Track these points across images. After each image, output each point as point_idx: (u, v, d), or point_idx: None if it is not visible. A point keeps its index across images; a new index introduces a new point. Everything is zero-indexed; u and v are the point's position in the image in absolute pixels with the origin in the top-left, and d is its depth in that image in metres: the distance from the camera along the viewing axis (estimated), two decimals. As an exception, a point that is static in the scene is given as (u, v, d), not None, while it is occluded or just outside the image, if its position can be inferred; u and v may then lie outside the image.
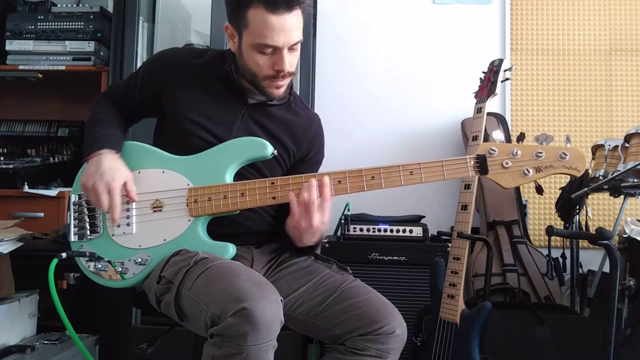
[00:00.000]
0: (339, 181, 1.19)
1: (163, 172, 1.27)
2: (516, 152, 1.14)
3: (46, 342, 1.60)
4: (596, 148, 2.10)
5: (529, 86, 2.66)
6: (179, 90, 1.31)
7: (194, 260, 1.13)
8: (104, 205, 1.21)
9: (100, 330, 1.75)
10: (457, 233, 1.67)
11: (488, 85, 1.79)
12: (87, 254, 1.24)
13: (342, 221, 2.13)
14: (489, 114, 1.82)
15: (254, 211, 1.32)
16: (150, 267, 1.23)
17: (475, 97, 1.82)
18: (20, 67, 2.42)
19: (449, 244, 1.73)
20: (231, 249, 1.22)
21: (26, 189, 2.13)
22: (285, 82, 1.28)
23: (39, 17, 2.43)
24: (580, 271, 2.23)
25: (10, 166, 2.20)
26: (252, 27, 1.18)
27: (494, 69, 1.81)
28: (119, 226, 1.26)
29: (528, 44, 2.68)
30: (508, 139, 2.54)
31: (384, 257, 2.02)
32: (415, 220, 2.17)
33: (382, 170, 1.18)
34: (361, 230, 2.10)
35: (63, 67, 2.42)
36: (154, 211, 1.25)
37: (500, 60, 1.82)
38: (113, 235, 1.26)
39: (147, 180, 1.27)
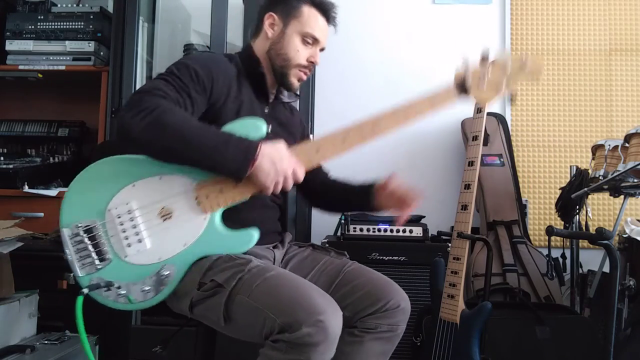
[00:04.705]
0: (343, 139, 1.31)
1: (160, 178, 1.20)
2: (488, 71, 1.31)
3: (46, 342, 1.60)
4: (596, 148, 2.10)
5: (529, 86, 2.66)
6: (225, 94, 1.30)
7: (248, 268, 1.14)
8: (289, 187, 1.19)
9: (100, 330, 1.75)
10: (457, 233, 1.67)
11: (488, 85, 1.79)
12: (103, 284, 1.15)
13: (342, 221, 2.13)
14: (489, 114, 1.82)
15: (268, 211, 1.39)
16: (177, 276, 1.17)
17: (475, 97, 1.82)
18: (20, 67, 2.42)
19: (449, 244, 1.73)
20: (255, 234, 1.20)
21: (26, 189, 2.13)
22: (305, 77, 1.43)
23: (39, 17, 2.43)
24: (580, 271, 2.23)
25: (10, 166, 2.21)
26: (304, 19, 1.37)
27: (494, 69, 1.80)
28: (129, 246, 1.18)
29: (528, 44, 2.68)
30: (508, 139, 2.54)
31: (384, 257, 2.02)
32: (415, 220, 2.17)
33: (381, 118, 1.35)
34: (361, 230, 2.10)
35: (63, 67, 2.42)
36: (164, 220, 1.19)
37: (500, 60, 1.81)
38: (126, 257, 1.18)
39: (146, 191, 1.19)
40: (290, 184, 1.17)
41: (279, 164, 1.14)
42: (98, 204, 1.19)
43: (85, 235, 1.18)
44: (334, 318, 1.05)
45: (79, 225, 1.18)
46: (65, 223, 1.19)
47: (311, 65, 1.41)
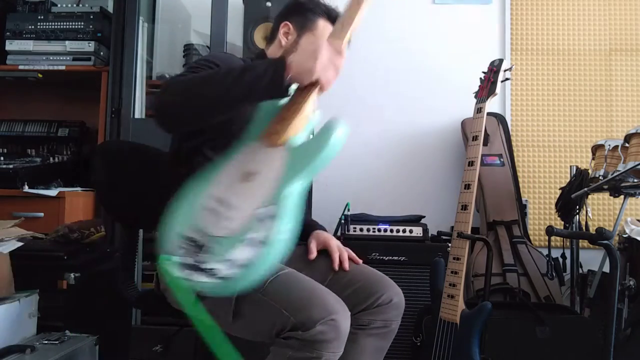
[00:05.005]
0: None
1: (232, 160, 1.14)
2: None
3: (46, 342, 1.60)
4: (596, 148, 2.10)
5: (529, 86, 2.66)
6: None
7: None
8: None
9: (100, 330, 1.75)
10: (457, 233, 1.67)
11: (488, 85, 1.79)
12: (208, 270, 1.01)
13: (342, 221, 2.13)
14: (489, 114, 1.82)
15: None
16: (282, 213, 1.03)
17: (475, 97, 1.82)
18: (20, 67, 2.42)
19: (449, 244, 1.73)
20: (336, 124, 1.08)
21: (26, 189, 2.12)
22: None
23: (39, 17, 2.43)
24: (580, 271, 2.23)
25: (10, 166, 2.20)
26: (319, 32, 1.39)
27: (494, 69, 1.81)
28: (224, 220, 1.06)
29: (528, 44, 2.68)
30: (508, 139, 2.54)
31: (384, 257, 2.02)
32: (415, 220, 2.17)
33: None
34: (361, 230, 2.10)
35: (63, 67, 2.42)
36: (249, 181, 1.09)
37: (500, 60, 1.82)
38: (225, 234, 1.05)
39: (224, 175, 1.12)
40: (339, 61, 1.09)
41: (312, 49, 1.05)
42: (189, 214, 1.10)
43: (186, 243, 1.07)
44: (344, 317, 1.08)
45: (177, 241, 1.08)
46: (166, 248, 1.09)
47: None
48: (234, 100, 1.08)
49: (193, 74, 1.16)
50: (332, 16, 1.41)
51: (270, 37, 1.47)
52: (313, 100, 1.12)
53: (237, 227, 1.03)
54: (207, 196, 1.11)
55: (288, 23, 1.41)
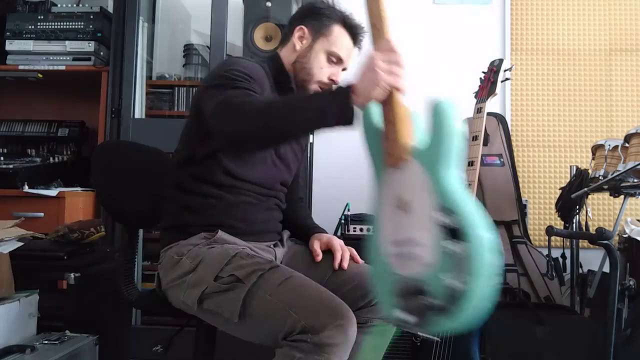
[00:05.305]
0: None
1: (378, 207, 1.10)
2: None
3: (46, 342, 1.60)
4: (596, 148, 2.10)
5: (529, 86, 2.67)
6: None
7: (270, 267, 1.16)
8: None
9: (100, 330, 1.76)
10: (457, 233, 1.67)
11: (488, 85, 1.80)
12: (438, 307, 0.93)
13: (342, 221, 2.13)
14: (489, 114, 1.82)
15: (272, 213, 1.42)
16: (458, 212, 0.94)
17: (475, 97, 1.82)
18: (20, 67, 2.42)
19: (449, 244, 1.73)
20: (442, 104, 1.00)
21: (26, 189, 2.12)
22: None
23: (39, 17, 2.44)
24: (580, 271, 2.23)
25: (10, 166, 2.20)
26: (333, 38, 1.39)
27: (494, 69, 1.81)
28: (417, 259, 0.97)
29: (528, 44, 2.69)
30: (508, 139, 2.54)
31: (384, 257, 2.02)
32: (415, 220, 2.17)
33: None
34: (361, 230, 2.10)
35: (63, 67, 2.42)
36: (405, 210, 1.03)
37: (500, 60, 1.82)
38: (422, 272, 0.97)
39: (385, 225, 1.07)
40: (396, 57, 1.08)
41: (365, 64, 1.06)
42: (384, 273, 1.05)
43: (400, 299, 1.01)
44: (351, 323, 1.09)
45: (393, 302, 1.02)
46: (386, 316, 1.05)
47: (331, 82, 1.41)
48: (301, 131, 1.21)
49: (234, 90, 1.19)
50: (347, 23, 1.40)
51: (283, 40, 1.47)
52: (403, 103, 1.08)
53: (431, 254, 0.96)
54: (385, 245, 1.06)
55: (303, 27, 1.40)
